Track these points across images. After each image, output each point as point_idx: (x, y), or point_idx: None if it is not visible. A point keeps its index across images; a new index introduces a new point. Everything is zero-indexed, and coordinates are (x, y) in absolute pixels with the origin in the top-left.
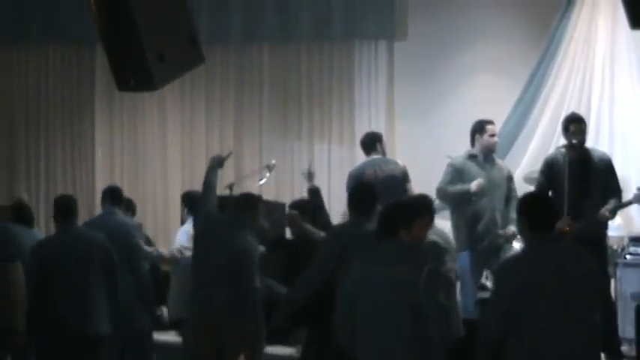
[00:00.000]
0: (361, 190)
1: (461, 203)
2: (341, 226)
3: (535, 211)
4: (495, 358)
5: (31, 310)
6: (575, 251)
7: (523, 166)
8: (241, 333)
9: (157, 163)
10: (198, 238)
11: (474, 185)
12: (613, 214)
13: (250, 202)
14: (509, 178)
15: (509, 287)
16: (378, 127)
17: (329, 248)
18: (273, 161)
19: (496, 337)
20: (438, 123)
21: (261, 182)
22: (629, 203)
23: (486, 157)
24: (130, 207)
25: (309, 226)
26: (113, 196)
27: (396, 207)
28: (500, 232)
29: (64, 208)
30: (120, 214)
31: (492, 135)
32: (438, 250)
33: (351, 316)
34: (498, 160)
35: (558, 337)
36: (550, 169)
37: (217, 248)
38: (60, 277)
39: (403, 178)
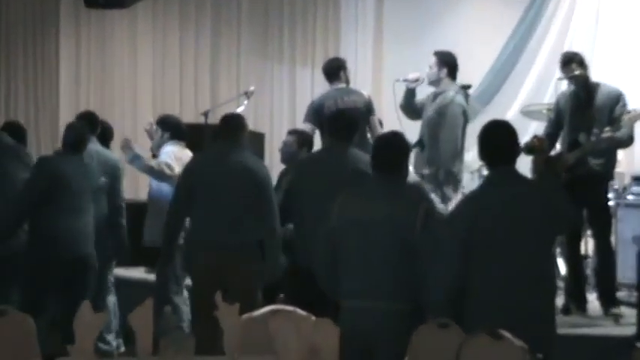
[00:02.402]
0: (337, 116)
1: None
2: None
3: (487, 142)
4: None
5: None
6: (528, 192)
7: (521, 100)
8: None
9: (126, 88)
10: (191, 192)
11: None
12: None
13: (237, 121)
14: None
15: (456, 233)
16: (365, 51)
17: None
18: (252, 87)
19: (452, 291)
20: (427, 48)
21: (239, 110)
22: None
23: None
24: (106, 134)
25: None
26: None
27: (397, 141)
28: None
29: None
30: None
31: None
32: (424, 189)
33: (334, 255)
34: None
35: (506, 287)
36: (557, 104)
37: (222, 186)
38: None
39: (367, 110)
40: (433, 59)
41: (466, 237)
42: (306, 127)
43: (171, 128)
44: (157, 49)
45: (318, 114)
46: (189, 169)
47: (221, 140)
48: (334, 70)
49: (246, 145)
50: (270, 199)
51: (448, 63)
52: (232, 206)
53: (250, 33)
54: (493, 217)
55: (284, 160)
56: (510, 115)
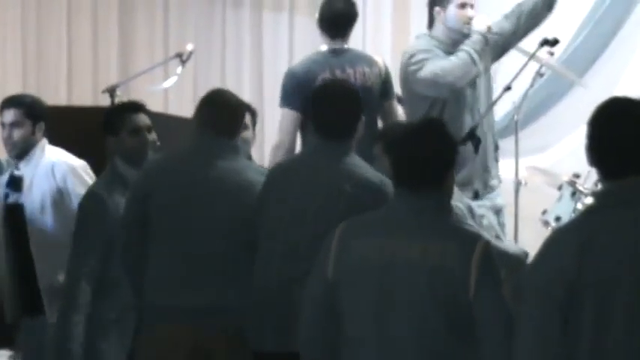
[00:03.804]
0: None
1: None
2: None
3: (604, 137)
4: None
5: None
6: None
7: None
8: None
9: None
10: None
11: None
12: None
13: (237, 103)
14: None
15: (549, 292)
16: None
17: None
18: (190, 46)
19: None
20: None
21: (167, 85)
22: None
23: (456, 42)
24: None
25: None
26: None
27: (436, 136)
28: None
29: None
30: None
31: (463, 5)
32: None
33: (331, 326)
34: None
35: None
36: None
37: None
38: None
39: (383, 89)
40: None
41: (566, 298)
42: (284, 115)
43: (45, 115)
44: None
45: (302, 94)
46: (142, 183)
47: (207, 136)
48: (347, 20)
49: (240, 147)
50: None
51: None
52: (217, 247)
53: None
54: (616, 262)
55: None
56: (620, 89)
